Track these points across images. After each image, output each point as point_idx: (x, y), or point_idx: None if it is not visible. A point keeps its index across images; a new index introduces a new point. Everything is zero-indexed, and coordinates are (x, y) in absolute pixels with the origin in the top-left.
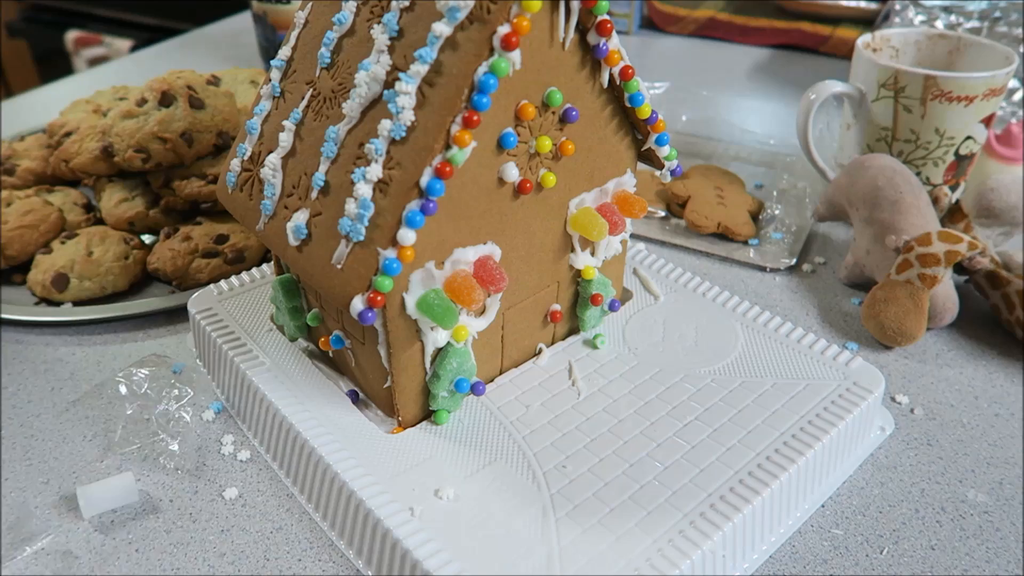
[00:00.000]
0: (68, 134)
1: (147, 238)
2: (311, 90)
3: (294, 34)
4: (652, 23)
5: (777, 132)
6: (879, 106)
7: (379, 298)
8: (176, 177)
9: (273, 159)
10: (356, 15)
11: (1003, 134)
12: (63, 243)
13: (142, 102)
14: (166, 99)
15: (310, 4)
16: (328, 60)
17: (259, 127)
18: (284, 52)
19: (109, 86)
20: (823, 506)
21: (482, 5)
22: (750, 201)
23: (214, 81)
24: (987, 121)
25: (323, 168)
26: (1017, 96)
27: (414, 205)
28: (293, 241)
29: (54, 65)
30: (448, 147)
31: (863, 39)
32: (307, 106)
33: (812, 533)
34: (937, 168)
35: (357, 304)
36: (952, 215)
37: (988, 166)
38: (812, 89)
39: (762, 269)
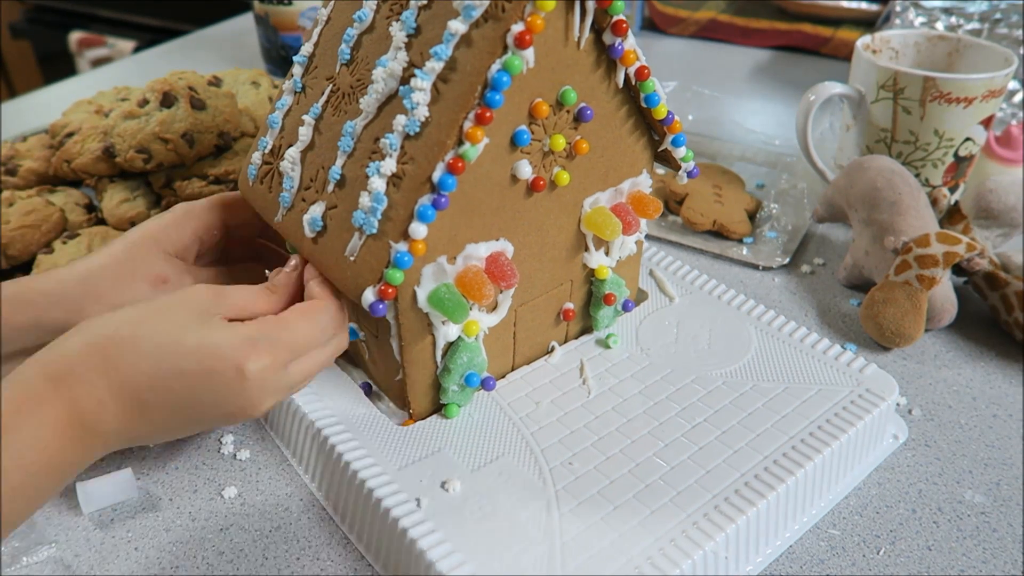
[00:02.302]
0: (70, 134)
1: None
2: (331, 86)
3: (316, 30)
4: (653, 24)
5: (778, 133)
6: (878, 107)
7: (390, 290)
8: (177, 177)
9: (292, 153)
10: (376, 12)
11: (1003, 136)
12: (65, 243)
13: (144, 103)
14: (168, 100)
15: (333, 1)
16: (348, 56)
17: (280, 121)
18: (307, 48)
19: (111, 87)
20: None
21: (497, 4)
22: (747, 200)
23: (215, 82)
24: (986, 123)
25: (340, 162)
26: (1017, 98)
27: (426, 200)
28: (309, 233)
29: (57, 66)
30: (461, 143)
31: (863, 40)
32: (326, 101)
33: (809, 533)
34: (936, 169)
35: (368, 296)
36: (951, 216)
37: (988, 168)
38: (812, 90)
39: (755, 267)
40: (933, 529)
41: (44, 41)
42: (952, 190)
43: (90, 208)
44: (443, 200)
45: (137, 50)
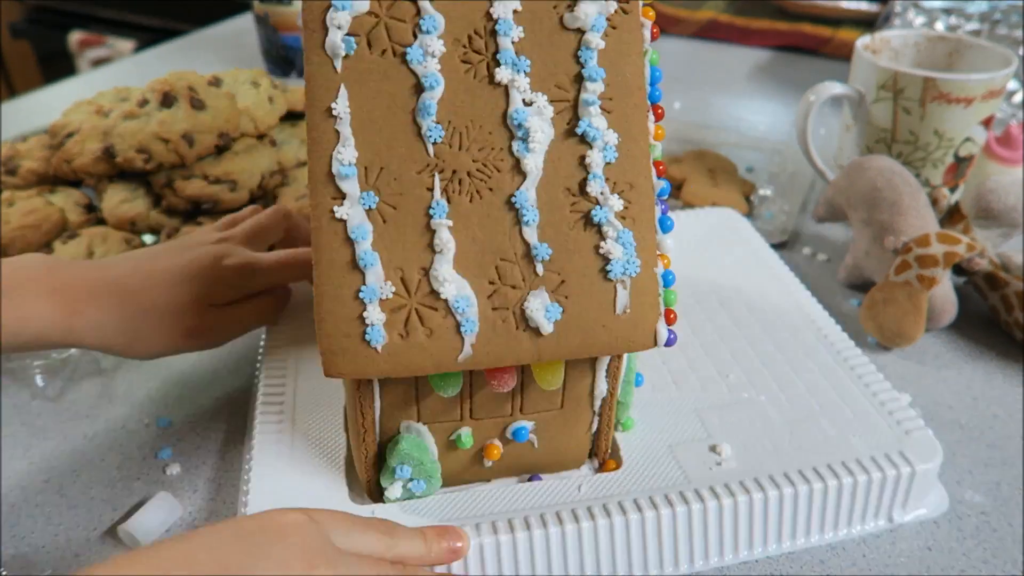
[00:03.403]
0: (70, 135)
1: (148, 238)
2: (437, 175)
3: (346, 131)
4: None
5: (773, 130)
6: (878, 108)
7: (672, 315)
8: (177, 177)
9: (444, 271)
10: (446, 71)
11: (1002, 136)
12: (65, 243)
13: (144, 103)
14: (167, 100)
15: (343, 91)
16: (441, 133)
17: (373, 253)
18: (348, 155)
19: (111, 87)
20: None
21: (617, 9)
22: (742, 183)
23: (215, 82)
24: (986, 123)
25: (534, 237)
26: (1017, 98)
27: (658, 212)
28: (547, 328)
29: (57, 66)
30: (651, 147)
31: (862, 41)
32: (444, 193)
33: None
34: (936, 169)
35: (662, 331)
36: (951, 216)
37: (987, 168)
38: (811, 91)
39: None
40: (933, 529)
41: (44, 41)
42: (952, 190)
43: (90, 208)
44: (666, 206)
45: (137, 50)
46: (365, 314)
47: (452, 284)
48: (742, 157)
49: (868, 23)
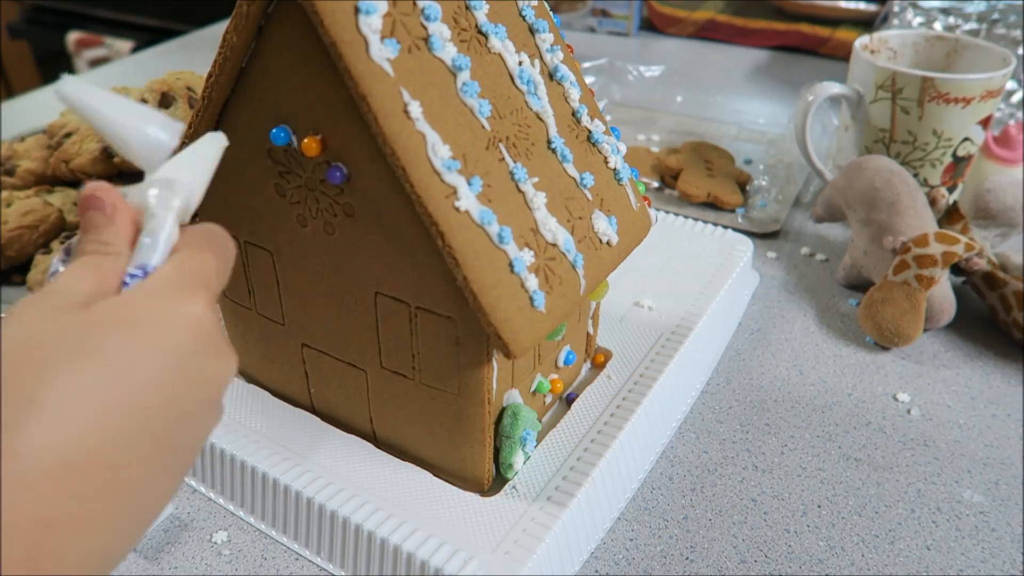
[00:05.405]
0: (68, 135)
1: None
2: (501, 145)
3: (427, 129)
4: (652, 24)
5: (777, 127)
6: (877, 108)
7: (648, 199)
8: None
9: (550, 223)
10: (459, 52)
11: (1001, 136)
12: (62, 243)
13: (142, 103)
14: (166, 100)
15: (405, 93)
16: (489, 107)
17: (506, 228)
18: (443, 151)
19: (109, 87)
20: (819, 506)
21: None
22: (738, 173)
23: None
24: (984, 123)
25: (575, 170)
26: (1015, 98)
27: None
28: (616, 238)
29: (55, 66)
30: None
31: (861, 41)
32: (513, 159)
33: (808, 533)
34: (935, 169)
35: (651, 213)
36: (949, 216)
37: (986, 168)
38: (810, 91)
39: (750, 234)
40: (932, 529)
41: (42, 41)
42: (950, 190)
43: None
44: None
45: (135, 50)
46: (527, 284)
47: (558, 232)
48: (741, 149)
49: (866, 23)
